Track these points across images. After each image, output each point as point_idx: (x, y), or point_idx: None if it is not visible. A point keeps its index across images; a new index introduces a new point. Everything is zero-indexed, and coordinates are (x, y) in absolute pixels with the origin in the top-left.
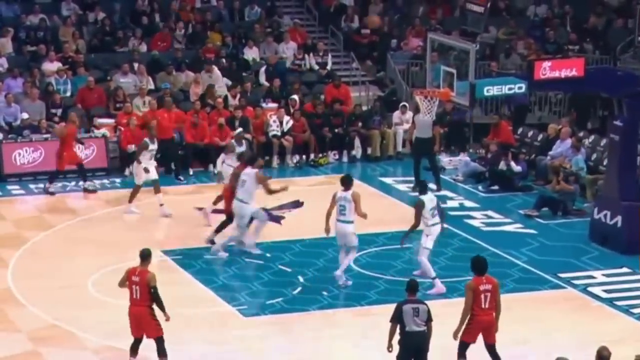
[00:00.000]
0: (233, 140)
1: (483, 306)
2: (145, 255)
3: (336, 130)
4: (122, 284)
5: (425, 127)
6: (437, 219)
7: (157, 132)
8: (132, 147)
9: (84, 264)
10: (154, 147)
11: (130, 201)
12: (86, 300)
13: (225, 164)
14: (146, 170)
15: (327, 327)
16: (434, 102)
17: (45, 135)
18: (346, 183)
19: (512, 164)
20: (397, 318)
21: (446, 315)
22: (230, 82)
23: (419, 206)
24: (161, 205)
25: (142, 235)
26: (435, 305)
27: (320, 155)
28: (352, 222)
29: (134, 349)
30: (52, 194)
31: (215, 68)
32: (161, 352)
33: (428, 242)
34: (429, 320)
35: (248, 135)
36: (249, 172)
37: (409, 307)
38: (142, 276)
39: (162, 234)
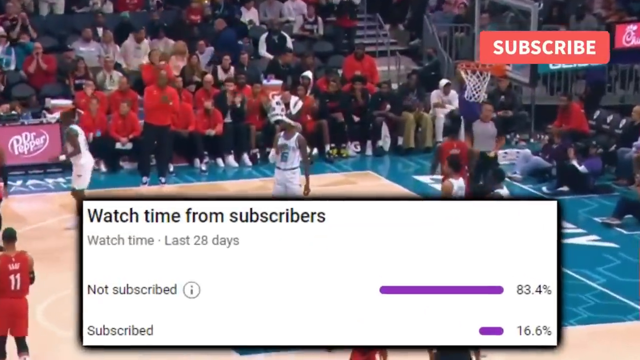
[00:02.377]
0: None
1: None
2: (11, 236)
3: (357, 116)
4: None
5: (486, 138)
6: None
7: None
8: (91, 137)
9: (32, 287)
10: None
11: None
12: (36, 334)
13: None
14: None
15: None
16: (485, 79)
17: None
18: (456, 166)
19: (574, 162)
20: None
21: None
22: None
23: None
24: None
25: None
26: None
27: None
28: None
29: (2, 351)
30: None
31: (144, 39)
32: (24, 347)
33: None
34: None
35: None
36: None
37: None
38: (22, 261)
39: None
